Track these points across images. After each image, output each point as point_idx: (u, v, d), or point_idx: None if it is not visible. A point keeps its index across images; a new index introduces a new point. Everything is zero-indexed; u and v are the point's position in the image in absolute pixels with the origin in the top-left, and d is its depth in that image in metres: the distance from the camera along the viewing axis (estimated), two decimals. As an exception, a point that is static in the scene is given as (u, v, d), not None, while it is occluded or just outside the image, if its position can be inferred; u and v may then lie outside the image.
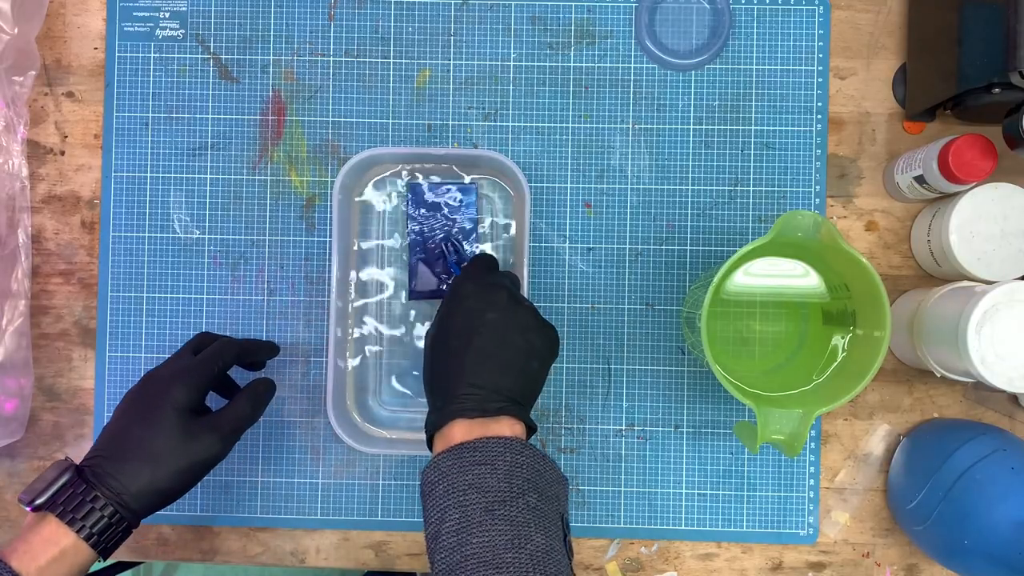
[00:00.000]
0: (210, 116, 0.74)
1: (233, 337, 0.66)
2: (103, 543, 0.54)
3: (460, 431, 0.54)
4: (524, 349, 0.57)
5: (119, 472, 0.55)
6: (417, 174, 0.73)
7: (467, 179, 0.72)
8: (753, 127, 0.73)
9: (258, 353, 0.67)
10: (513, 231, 0.73)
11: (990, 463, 0.63)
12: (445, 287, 0.72)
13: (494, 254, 0.72)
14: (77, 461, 0.57)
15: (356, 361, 0.73)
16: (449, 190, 0.72)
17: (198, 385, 0.60)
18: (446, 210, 0.72)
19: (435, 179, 0.72)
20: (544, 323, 0.60)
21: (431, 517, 0.52)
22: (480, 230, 0.73)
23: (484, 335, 0.57)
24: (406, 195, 0.72)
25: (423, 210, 0.72)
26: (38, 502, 0.54)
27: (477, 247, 0.72)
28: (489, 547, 0.48)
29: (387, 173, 0.73)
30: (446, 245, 0.72)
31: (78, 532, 0.53)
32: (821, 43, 0.73)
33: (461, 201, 0.72)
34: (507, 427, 0.54)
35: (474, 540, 0.49)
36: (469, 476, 0.51)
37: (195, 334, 0.66)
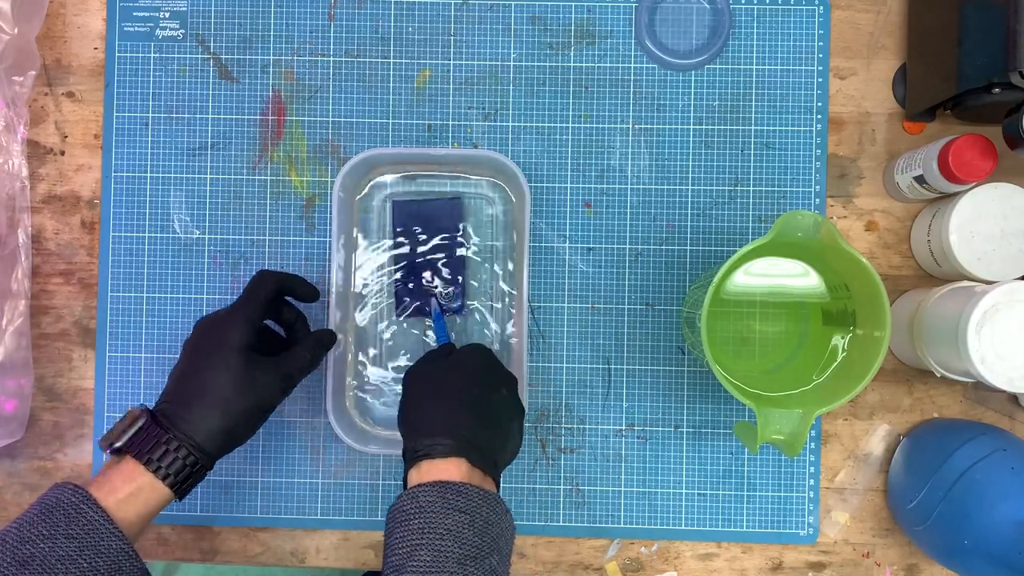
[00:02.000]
0: (210, 116, 0.74)
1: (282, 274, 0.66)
2: (179, 483, 0.57)
3: (455, 472, 0.55)
4: (519, 430, 0.61)
5: (189, 416, 0.57)
6: (400, 188, 0.73)
7: (453, 186, 0.72)
8: (753, 127, 0.73)
9: (296, 287, 0.65)
10: (513, 231, 0.73)
11: (990, 463, 0.63)
12: (428, 307, 0.72)
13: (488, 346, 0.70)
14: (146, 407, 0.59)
15: (356, 361, 0.73)
16: (433, 203, 0.72)
17: (249, 318, 0.61)
18: (430, 225, 0.72)
19: (418, 189, 0.72)
20: (520, 402, 0.63)
21: (398, 548, 0.52)
22: (463, 243, 0.72)
23: (497, 404, 0.60)
24: (390, 213, 0.72)
25: (406, 227, 0.72)
26: (117, 445, 0.56)
27: (441, 291, 0.72)
28: None
29: (387, 174, 0.73)
30: (433, 298, 0.72)
31: (155, 472, 0.55)
32: (821, 43, 0.73)
33: (445, 215, 0.72)
34: (483, 479, 0.56)
35: None
36: (449, 521, 0.52)
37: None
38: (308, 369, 0.63)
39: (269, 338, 0.67)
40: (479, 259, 0.73)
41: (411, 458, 0.56)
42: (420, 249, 0.72)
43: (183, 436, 0.57)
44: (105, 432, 0.57)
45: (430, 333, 0.73)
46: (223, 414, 0.58)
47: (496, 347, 0.73)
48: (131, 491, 0.55)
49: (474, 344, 0.65)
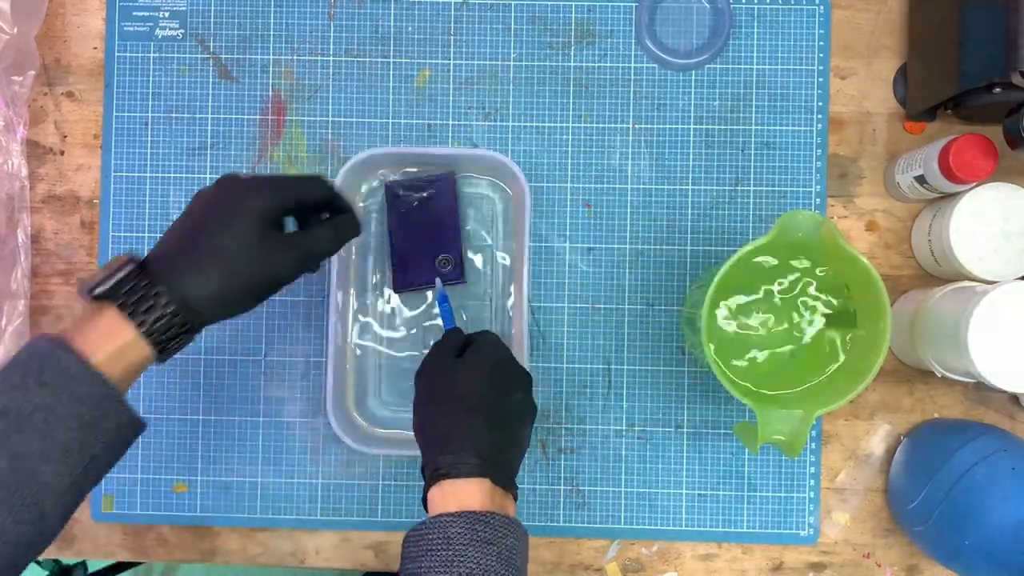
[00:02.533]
0: (210, 116, 0.74)
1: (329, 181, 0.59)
2: (163, 342, 0.50)
3: (478, 495, 0.54)
4: (528, 435, 0.60)
5: (187, 271, 0.50)
6: (395, 175, 0.72)
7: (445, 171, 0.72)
8: (753, 127, 0.73)
9: (338, 213, 0.58)
10: (513, 231, 0.73)
11: (991, 463, 0.63)
12: (427, 279, 0.71)
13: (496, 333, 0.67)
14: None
15: (356, 361, 0.73)
16: (425, 183, 0.71)
17: (281, 196, 0.54)
18: (425, 204, 0.71)
19: (411, 170, 0.72)
20: (533, 402, 0.62)
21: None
22: (459, 223, 0.72)
23: (513, 413, 0.59)
24: (382, 197, 0.72)
25: (401, 209, 0.71)
26: (99, 290, 0.49)
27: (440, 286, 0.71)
28: None
29: (387, 174, 0.73)
30: (436, 280, 0.70)
31: (139, 326, 0.49)
32: (821, 43, 0.73)
33: (436, 192, 0.71)
34: (511, 503, 0.56)
35: None
36: (477, 554, 0.51)
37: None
38: (329, 250, 0.56)
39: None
40: (478, 232, 0.72)
41: (432, 476, 0.55)
42: (414, 224, 0.71)
43: (175, 290, 0.50)
44: (89, 275, 0.51)
45: (435, 315, 0.72)
46: (227, 276, 0.51)
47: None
48: (111, 350, 0.48)
49: (485, 335, 0.62)
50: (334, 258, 0.69)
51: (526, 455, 0.72)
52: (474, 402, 0.57)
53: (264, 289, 0.53)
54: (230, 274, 0.51)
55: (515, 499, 0.57)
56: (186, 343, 0.52)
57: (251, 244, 0.51)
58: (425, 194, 0.71)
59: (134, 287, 0.49)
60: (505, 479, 0.56)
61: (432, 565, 0.51)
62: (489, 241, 0.73)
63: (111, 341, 0.49)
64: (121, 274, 0.49)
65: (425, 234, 0.71)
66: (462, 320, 0.72)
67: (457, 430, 0.56)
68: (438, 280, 0.70)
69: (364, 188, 0.73)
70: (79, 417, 0.47)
